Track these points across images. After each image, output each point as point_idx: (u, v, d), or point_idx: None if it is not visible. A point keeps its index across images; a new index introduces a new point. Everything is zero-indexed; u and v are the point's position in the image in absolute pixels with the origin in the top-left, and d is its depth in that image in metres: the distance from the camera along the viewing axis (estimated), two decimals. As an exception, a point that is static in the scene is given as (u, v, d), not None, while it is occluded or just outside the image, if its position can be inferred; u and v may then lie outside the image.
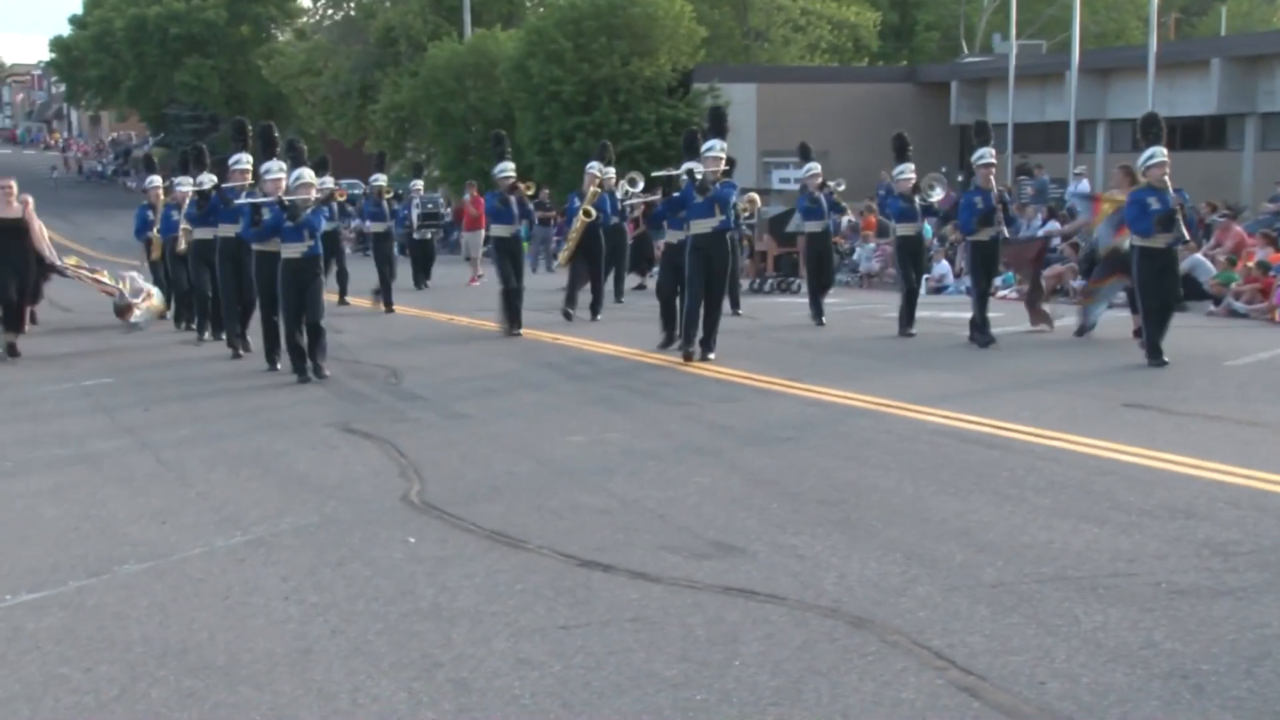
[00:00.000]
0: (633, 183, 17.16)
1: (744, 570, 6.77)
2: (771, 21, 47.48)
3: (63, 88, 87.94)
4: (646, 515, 7.98)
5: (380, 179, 22.87)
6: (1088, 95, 33.90)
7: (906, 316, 16.47)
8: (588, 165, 19.86)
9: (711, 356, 14.04)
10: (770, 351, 14.77)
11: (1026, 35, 38.71)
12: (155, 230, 18.81)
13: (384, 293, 21.56)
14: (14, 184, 15.93)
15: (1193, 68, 33.77)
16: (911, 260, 16.96)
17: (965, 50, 49.60)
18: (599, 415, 11.39)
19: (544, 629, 6.01)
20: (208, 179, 16.53)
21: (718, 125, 14.48)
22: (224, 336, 16.44)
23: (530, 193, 18.15)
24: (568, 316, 18.46)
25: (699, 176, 13.83)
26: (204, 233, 16.56)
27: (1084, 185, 26.21)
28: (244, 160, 15.41)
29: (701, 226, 13.96)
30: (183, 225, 17.46)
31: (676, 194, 14.32)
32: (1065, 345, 14.84)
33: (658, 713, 5.06)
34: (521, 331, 17.11)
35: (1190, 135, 34.37)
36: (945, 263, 24.86)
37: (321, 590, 6.70)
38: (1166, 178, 13.04)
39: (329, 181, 20.88)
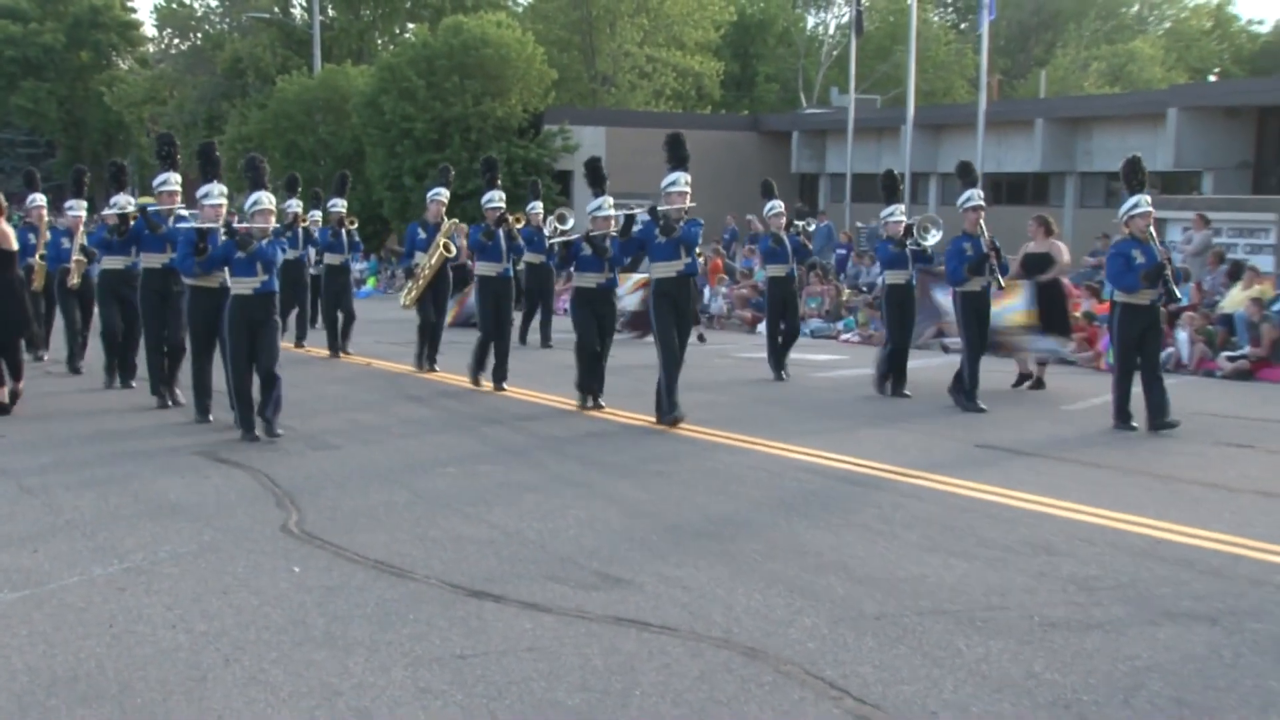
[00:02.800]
0: (562, 219, 15.27)
1: (633, 601, 6.78)
2: (618, 67, 47.82)
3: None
4: (529, 546, 7.95)
5: (339, 204, 19.03)
6: (921, 149, 34.77)
7: (898, 374, 14.66)
8: (432, 194, 16.99)
9: (680, 416, 12.24)
10: (632, 388, 14.69)
11: (862, 90, 39.46)
12: (38, 256, 15.99)
13: (340, 334, 18.41)
14: (3, 203, 12.75)
15: (1018, 127, 34.84)
16: (900, 312, 14.81)
17: (804, 102, 50.51)
18: (470, 448, 11.33)
19: (441, 658, 5.95)
20: (123, 200, 14.05)
21: (677, 154, 12.44)
22: (125, 382, 14.67)
23: (520, 225, 15.69)
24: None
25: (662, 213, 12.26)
26: (114, 262, 14.17)
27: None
28: (172, 181, 13.49)
29: (665, 270, 12.33)
30: (75, 256, 15.32)
31: (636, 233, 12.58)
32: (915, 390, 15.03)
33: (564, 742, 5.05)
34: (506, 390, 14.65)
35: (1015, 190, 35.47)
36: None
37: (210, 619, 6.53)
38: (1152, 229, 12.23)
39: (294, 205, 18.66)
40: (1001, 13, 42.51)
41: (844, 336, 21.85)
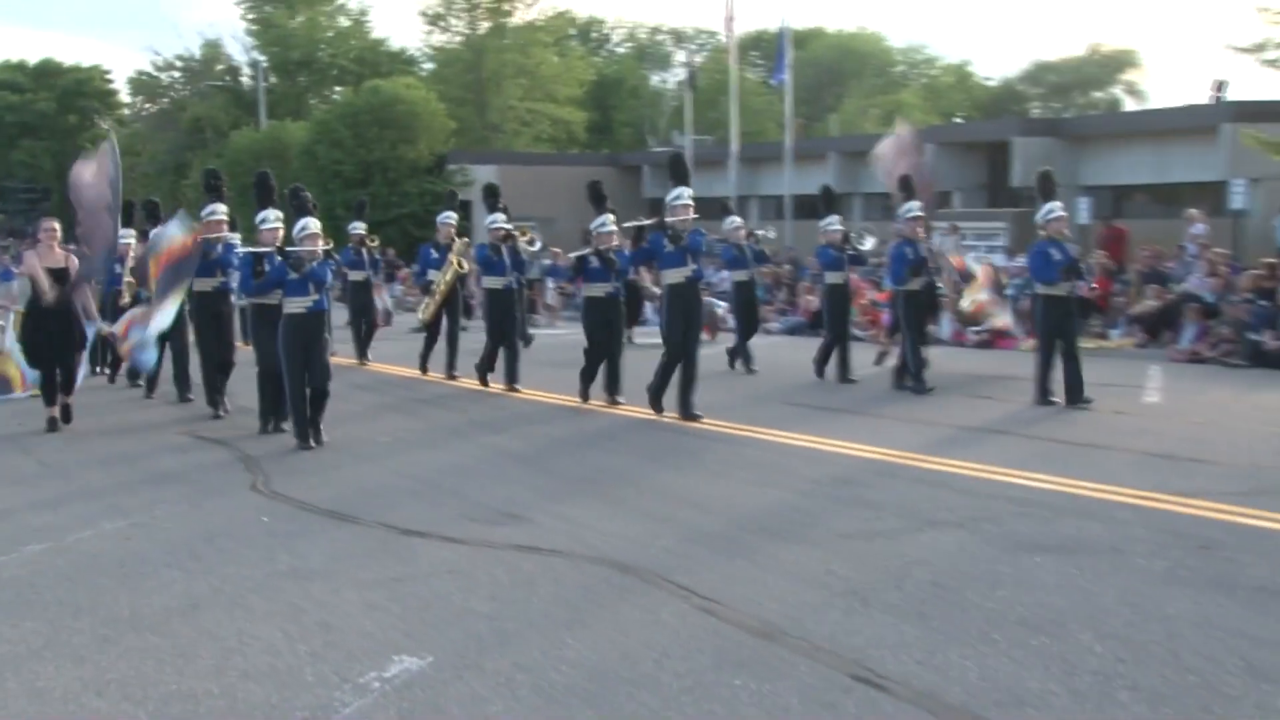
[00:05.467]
0: (531, 242, 13.63)
1: (529, 532, 6.89)
2: (505, 118, 47.57)
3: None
4: (445, 493, 8.02)
5: (359, 227, 16.70)
6: (744, 178, 35.03)
7: (841, 363, 13.43)
8: (442, 217, 15.06)
9: (699, 414, 10.76)
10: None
11: (696, 132, 39.69)
12: (94, 281, 13.58)
13: (359, 344, 16.34)
14: (57, 226, 11.24)
15: (816, 159, 35.36)
16: (840, 308, 13.82)
17: (651, 142, 50.68)
18: (396, 421, 11.29)
19: (382, 581, 6.02)
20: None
21: (679, 172, 11.22)
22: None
23: (528, 240, 13.58)
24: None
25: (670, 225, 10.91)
26: None
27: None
28: (219, 210, 11.78)
29: (675, 276, 10.93)
30: (126, 278, 13.54)
31: (646, 243, 11.36)
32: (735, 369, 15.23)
33: (479, 639, 5.15)
34: (519, 390, 12.86)
35: (816, 209, 36.03)
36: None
37: (199, 559, 6.53)
38: (1066, 230, 11.55)
39: (360, 228, 16.55)
40: (801, 70, 42.84)
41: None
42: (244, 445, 10.02)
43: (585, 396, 11.89)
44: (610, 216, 11.96)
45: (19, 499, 8.19)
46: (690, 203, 11.00)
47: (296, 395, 9.96)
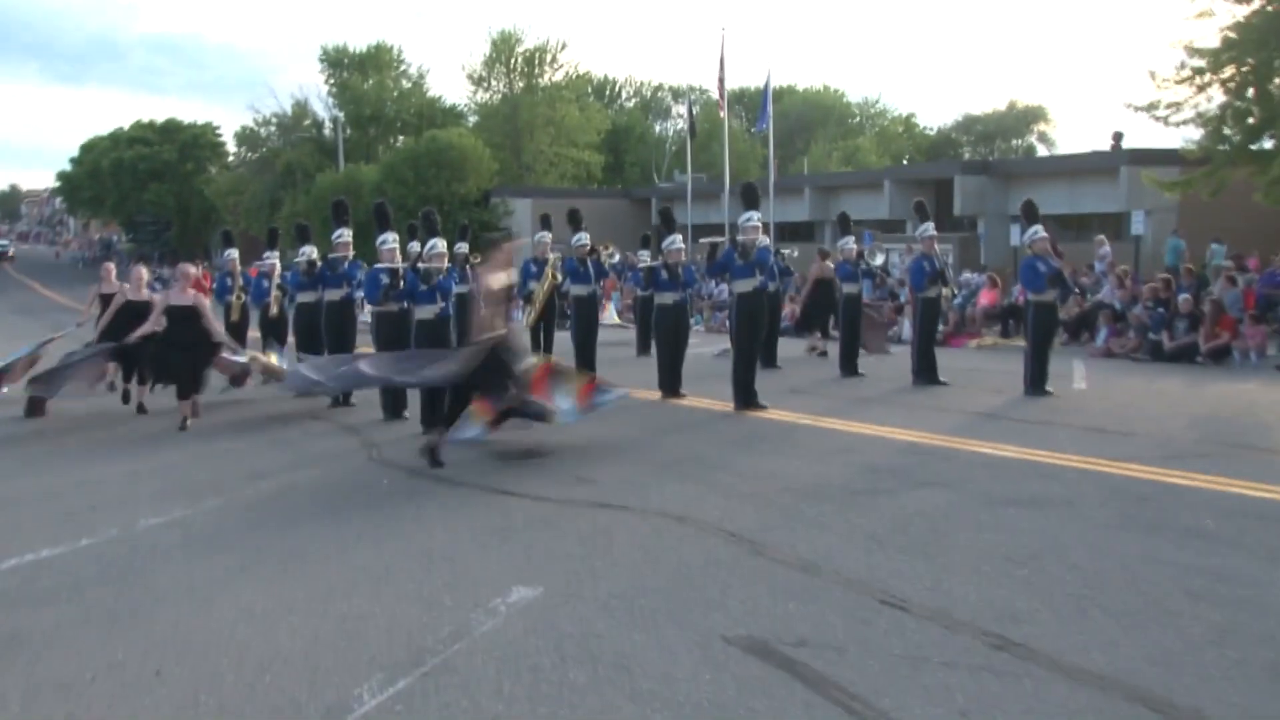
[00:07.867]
0: (611, 255, 13.15)
1: (601, 493, 7.01)
2: (536, 160, 47.78)
3: (64, 204, 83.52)
4: (525, 463, 8.12)
5: (464, 246, 14.51)
6: (735, 208, 35.13)
7: (850, 362, 13.26)
8: (538, 236, 14.32)
9: (764, 404, 10.38)
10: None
11: (694, 171, 39.79)
12: (235, 296, 13.31)
13: None
14: (193, 271, 10.91)
15: (794, 192, 35.57)
16: (855, 314, 13.42)
17: (656, 180, 50.77)
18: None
19: (489, 529, 6.17)
20: (308, 249, 12.07)
21: (750, 198, 10.76)
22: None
23: (609, 254, 13.22)
24: None
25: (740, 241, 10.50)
26: (305, 297, 11.95)
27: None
28: (345, 234, 11.58)
29: (744, 286, 10.46)
30: (274, 293, 13.15)
31: (720, 258, 10.91)
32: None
33: (576, 574, 5.31)
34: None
35: (794, 233, 36.16)
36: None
37: (342, 511, 6.69)
38: (1049, 247, 11.33)
39: (464, 248, 15.36)
40: (774, 120, 43.00)
41: (695, 328, 22.12)
42: (355, 424, 10.16)
43: (677, 391, 11.25)
44: (679, 236, 11.62)
45: (191, 469, 8.35)
46: (759, 224, 10.68)
47: (432, 391, 9.38)
